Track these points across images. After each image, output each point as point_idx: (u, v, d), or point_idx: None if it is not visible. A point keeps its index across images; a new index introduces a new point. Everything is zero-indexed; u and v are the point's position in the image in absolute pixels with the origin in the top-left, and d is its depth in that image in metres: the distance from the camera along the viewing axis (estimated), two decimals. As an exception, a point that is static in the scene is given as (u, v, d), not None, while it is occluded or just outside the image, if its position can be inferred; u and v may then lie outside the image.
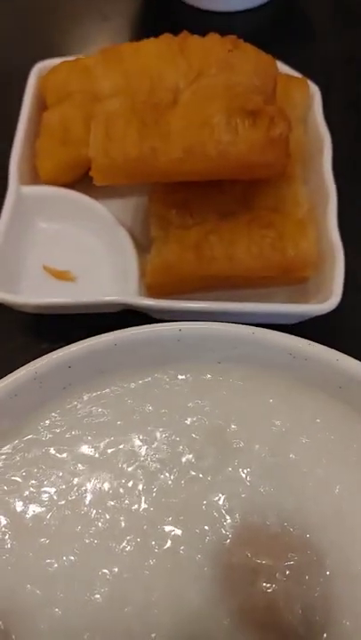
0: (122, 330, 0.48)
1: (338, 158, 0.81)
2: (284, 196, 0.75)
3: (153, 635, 0.42)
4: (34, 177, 0.86)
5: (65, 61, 0.88)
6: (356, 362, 0.47)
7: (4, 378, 0.46)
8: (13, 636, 0.41)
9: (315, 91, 0.87)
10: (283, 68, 0.88)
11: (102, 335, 0.48)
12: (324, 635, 0.41)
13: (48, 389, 0.48)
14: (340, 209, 0.76)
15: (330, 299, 0.69)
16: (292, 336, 0.48)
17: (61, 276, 0.81)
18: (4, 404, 0.46)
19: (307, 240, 0.70)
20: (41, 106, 0.90)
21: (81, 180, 0.86)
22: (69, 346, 0.48)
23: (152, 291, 0.75)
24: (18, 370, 0.46)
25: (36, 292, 0.79)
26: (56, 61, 0.90)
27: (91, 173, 0.71)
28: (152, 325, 0.49)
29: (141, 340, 0.48)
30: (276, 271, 0.71)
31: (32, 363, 0.47)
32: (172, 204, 0.76)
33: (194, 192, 0.76)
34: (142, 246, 0.82)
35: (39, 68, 0.91)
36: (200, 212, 0.75)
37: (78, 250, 0.83)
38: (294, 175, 0.77)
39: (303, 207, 0.75)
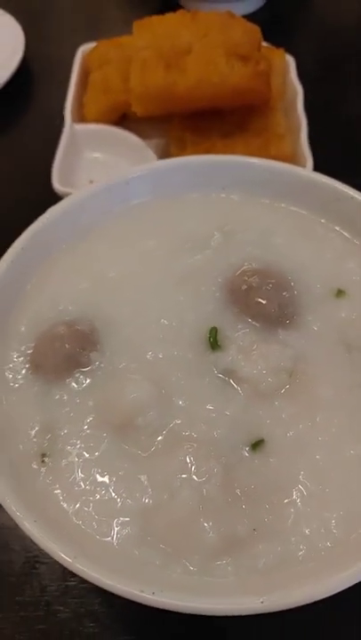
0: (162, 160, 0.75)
1: (307, 102, 1.11)
2: (270, 122, 1.04)
3: (186, 330, 0.65)
4: (82, 121, 1.15)
5: (103, 40, 1.20)
6: (315, 173, 0.73)
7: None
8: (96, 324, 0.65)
9: (290, 59, 1.18)
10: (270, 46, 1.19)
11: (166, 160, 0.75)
12: (288, 321, 0.65)
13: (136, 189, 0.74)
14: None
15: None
16: (270, 160, 0.74)
17: (103, 187, 1.08)
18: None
19: (285, 145, 0.98)
20: (84, 73, 1.20)
21: (117, 123, 1.14)
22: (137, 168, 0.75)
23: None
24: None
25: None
26: (93, 44, 1.22)
27: (132, 102, 0.99)
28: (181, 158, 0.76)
29: (176, 166, 0.75)
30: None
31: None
32: (187, 128, 1.04)
33: (202, 120, 1.04)
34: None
35: (82, 49, 1.23)
36: (208, 133, 1.03)
37: (115, 170, 1.11)
38: (276, 108, 1.06)
39: (283, 128, 1.03)
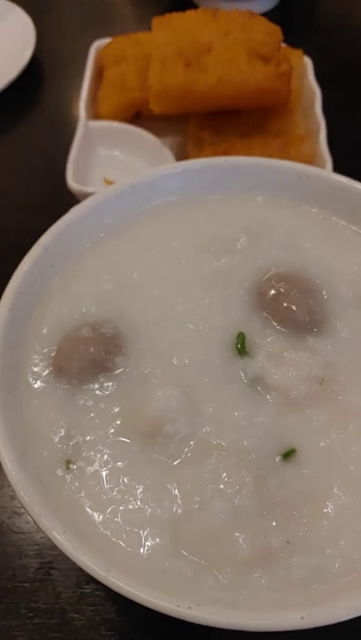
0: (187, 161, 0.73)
1: (325, 103, 1.10)
2: (288, 123, 1.02)
3: (213, 334, 0.64)
4: (96, 118, 1.13)
5: (119, 36, 1.18)
6: (343, 176, 0.71)
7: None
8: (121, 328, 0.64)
9: (308, 61, 1.17)
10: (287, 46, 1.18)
11: (187, 161, 0.74)
12: (316, 329, 0.64)
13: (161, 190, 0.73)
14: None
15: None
16: (297, 162, 0.73)
17: (118, 185, 1.07)
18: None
19: (305, 147, 0.97)
20: (98, 70, 1.18)
21: (130, 121, 1.13)
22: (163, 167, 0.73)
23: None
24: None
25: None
26: (107, 40, 1.20)
27: (150, 99, 0.97)
28: (206, 159, 0.74)
29: (200, 167, 0.73)
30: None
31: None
32: (205, 127, 1.02)
33: (220, 120, 1.02)
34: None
35: (96, 45, 1.21)
36: (225, 134, 1.02)
37: (129, 168, 1.09)
38: (295, 110, 1.04)
39: (302, 129, 1.01)
